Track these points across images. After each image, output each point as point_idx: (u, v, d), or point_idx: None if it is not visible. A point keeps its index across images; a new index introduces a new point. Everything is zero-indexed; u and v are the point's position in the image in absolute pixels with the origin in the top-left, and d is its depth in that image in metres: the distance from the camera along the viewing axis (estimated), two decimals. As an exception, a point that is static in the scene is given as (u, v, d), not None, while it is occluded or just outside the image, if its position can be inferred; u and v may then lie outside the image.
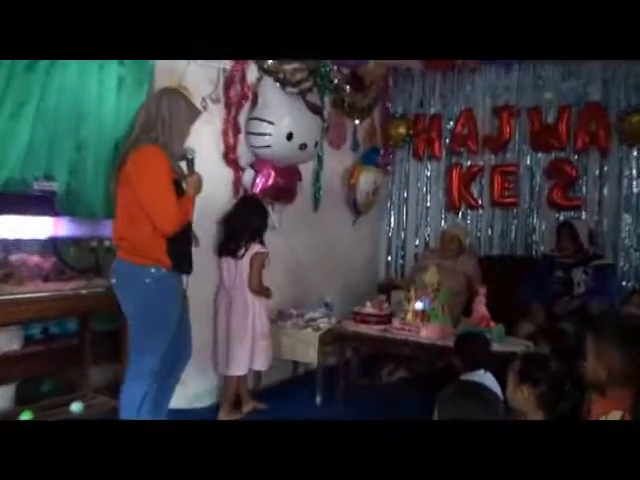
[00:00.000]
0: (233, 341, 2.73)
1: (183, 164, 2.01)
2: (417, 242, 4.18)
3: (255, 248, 2.67)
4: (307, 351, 2.96)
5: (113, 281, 1.95)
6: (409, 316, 2.75)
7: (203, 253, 2.59)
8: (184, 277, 2.03)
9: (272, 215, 2.98)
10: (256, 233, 2.71)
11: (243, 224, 2.78)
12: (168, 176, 1.86)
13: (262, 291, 2.74)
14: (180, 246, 1.94)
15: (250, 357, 2.71)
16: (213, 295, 2.84)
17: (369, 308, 2.94)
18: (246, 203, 2.72)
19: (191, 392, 2.74)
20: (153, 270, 1.91)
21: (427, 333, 2.69)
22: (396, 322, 2.81)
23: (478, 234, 3.93)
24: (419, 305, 2.73)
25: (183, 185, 1.96)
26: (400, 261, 4.25)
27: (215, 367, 2.82)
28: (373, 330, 2.87)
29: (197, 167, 2.05)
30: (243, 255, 2.67)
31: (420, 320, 2.71)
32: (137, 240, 1.87)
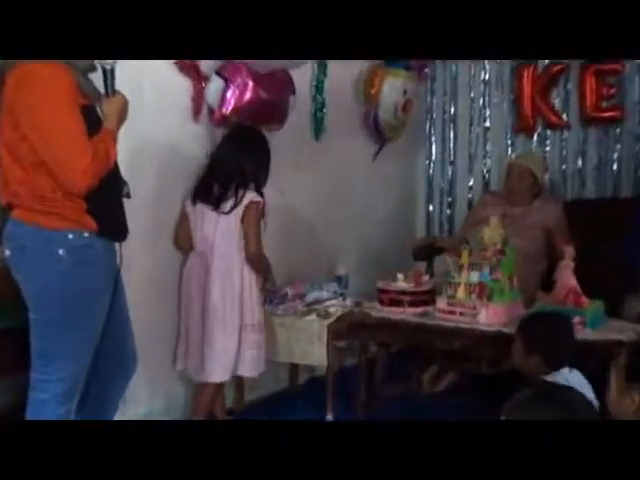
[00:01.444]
0: (211, 333, 2.76)
1: (97, 78, 1.96)
2: (471, 182, 4.24)
3: (249, 197, 2.69)
4: (311, 349, 2.96)
5: (6, 253, 1.92)
6: (461, 293, 2.75)
7: (150, 207, 2.67)
8: (117, 246, 2.03)
9: None
10: (254, 177, 2.75)
11: (236, 163, 2.75)
12: (71, 101, 1.79)
13: (263, 263, 2.80)
14: (106, 201, 1.92)
15: (236, 357, 2.72)
16: (174, 268, 2.86)
17: (401, 283, 2.95)
18: (242, 134, 2.76)
19: (141, 413, 2.74)
20: (70, 236, 1.88)
21: (488, 317, 2.69)
22: (442, 302, 2.81)
23: (563, 167, 3.93)
24: (475, 276, 2.72)
25: (98, 112, 1.92)
26: (446, 211, 4.33)
27: (181, 371, 2.83)
28: (408, 315, 2.88)
29: (122, 81, 2.00)
30: (233, 207, 2.68)
31: (478, 298, 2.71)
32: (41, 193, 1.85)
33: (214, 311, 2.72)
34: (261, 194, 2.76)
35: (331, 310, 3.06)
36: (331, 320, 2.98)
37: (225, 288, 2.72)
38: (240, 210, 2.70)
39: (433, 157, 4.34)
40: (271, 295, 3.10)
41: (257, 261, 2.77)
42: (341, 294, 3.23)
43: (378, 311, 2.96)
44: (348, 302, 3.16)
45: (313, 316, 3.02)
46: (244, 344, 2.75)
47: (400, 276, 2.97)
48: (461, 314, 2.73)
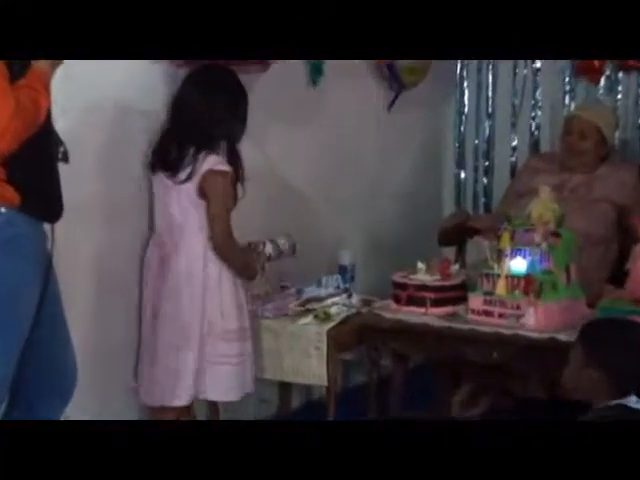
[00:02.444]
0: (162, 344, 2.75)
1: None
2: (515, 141, 4.25)
3: (210, 162, 2.67)
4: (306, 362, 2.98)
5: None
6: (501, 288, 2.75)
7: (97, 176, 2.65)
8: (48, 227, 2.05)
9: None
10: (221, 134, 2.72)
11: (196, 115, 2.70)
12: None
13: (233, 254, 2.78)
14: (34, 167, 1.96)
15: (195, 376, 2.70)
16: (133, 258, 2.87)
17: (423, 275, 2.96)
18: (207, 76, 2.72)
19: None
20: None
21: (538, 319, 2.70)
22: (476, 300, 2.82)
23: (640, 121, 3.91)
24: (520, 264, 2.73)
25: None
26: (482, 180, 4.35)
27: (134, 390, 2.86)
28: (432, 317, 2.90)
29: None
30: (189, 177, 2.66)
31: (523, 294, 2.71)
32: None
33: (164, 316, 2.72)
34: (234, 158, 2.73)
35: (332, 311, 3.09)
36: (332, 324, 3.01)
37: (180, 285, 2.71)
38: (196, 180, 2.67)
39: (465, 109, 4.36)
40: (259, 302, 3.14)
41: (225, 252, 2.74)
42: (345, 290, 3.26)
43: (393, 312, 2.98)
44: (354, 300, 3.19)
45: (309, 318, 3.05)
46: (209, 358, 2.73)
47: (421, 266, 2.98)
48: (501, 316, 2.75)
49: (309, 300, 3.17)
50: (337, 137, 3.71)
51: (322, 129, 3.62)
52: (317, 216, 3.69)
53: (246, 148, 2.93)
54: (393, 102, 3.97)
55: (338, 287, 3.28)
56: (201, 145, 2.66)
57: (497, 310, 2.76)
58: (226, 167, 2.69)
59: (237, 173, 2.72)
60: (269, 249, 3.00)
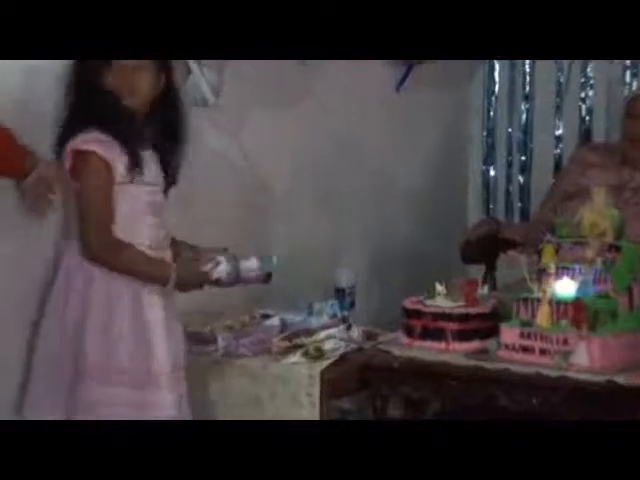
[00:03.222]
0: (33, 386, 2.77)
1: None
2: (559, 129, 4.30)
3: (77, 140, 2.74)
4: (295, 411, 2.98)
5: None
6: (543, 317, 2.76)
7: None
8: None
9: (200, 73, 3.10)
10: (83, 106, 2.76)
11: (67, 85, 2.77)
12: None
13: (114, 258, 2.77)
14: None
15: None
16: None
17: (443, 300, 2.98)
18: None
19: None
20: None
21: (591, 357, 2.70)
22: (511, 333, 2.82)
23: None
24: (567, 287, 2.75)
25: None
26: (518, 178, 4.40)
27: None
28: (454, 355, 2.92)
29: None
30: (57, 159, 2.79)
31: (572, 325, 2.72)
32: None
33: (38, 349, 2.76)
34: (127, 139, 2.73)
35: (327, 346, 3.09)
36: (327, 364, 3.01)
37: (56, 305, 2.75)
38: (67, 164, 2.74)
39: (496, 88, 4.40)
40: (229, 325, 3.15)
41: (100, 258, 2.73)
42: (343, 319, 3.28)
43: (404, 348, 2.98)
44: (355, 333, 3.20)
45: (298, 356, 3.05)
46: (83, 407, 2.68)
47: (440, 288, 2.99)
48: (543, 353, 2.75)
49: (297, 333, 3.17)
50: (332, 123, 3.78)
51: (314, 114, 3.69)
52: (308, 223, 3.72)
53: (216, 136, 3.09)
54: (403, 80, 3.99)
55: (334, 316, 3.31)
56: (69, 121, 2.72)
57: (538, 345, 2.75)
58: (94, 146, 2.69)
59: (133, 161, 2.73)
60: (221, 271, 2.84)
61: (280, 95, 3.57)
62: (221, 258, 2.83)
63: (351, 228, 3.90)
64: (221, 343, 3.08)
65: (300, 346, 3.08)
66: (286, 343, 3.12)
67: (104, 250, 2.75)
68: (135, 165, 2.76)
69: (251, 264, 2.86)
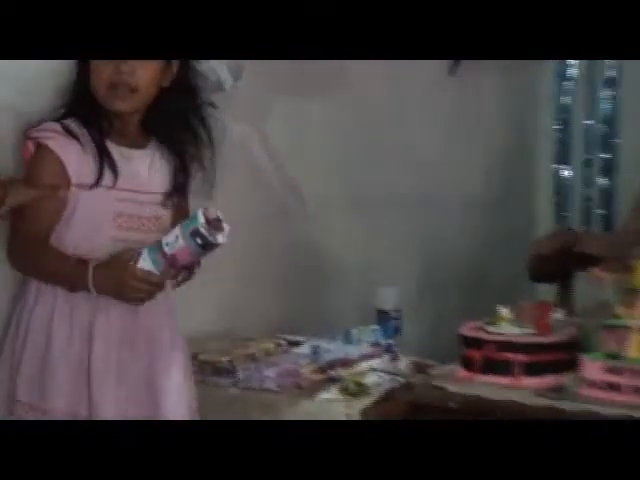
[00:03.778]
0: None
1: None
2: None
3: (35, 129, 2.83)
4: None
5: None
6: (634, 347, 2.72)
7: None
8: None
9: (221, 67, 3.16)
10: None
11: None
12: None
13: (21, 257, 2.83)
14: None
15: None
16: None
17: (508, 326, 2.94)
18: None
19: None
20: None
21: None
22: (594, 366, 2.76)
23: None
24: None
25: None
26: (596, 180, 4.39)
27: None
28: (523, 392, 2.85)
29: None
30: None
31: None
32: None
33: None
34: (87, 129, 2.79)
35: (369, 381, 3.05)
36: (369, 401, 2.96)
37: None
38: (25, 155, 2.82)
39: (571, 71, 4.45)
40: (241, 355, 3.10)
41: (11, 260, 2.82)
42: (388, 348, 3.26)
43: (462, 383, 2.93)
44: (402, 365, 3.17)
45: (333, 392, 3.01)
46: None
47: (506, 312, 2.95)
48: (635, 391, 2.68)
49: (332, 364, 3.14)
50: (371, 115, 3.78)
51: (349, 103, 3.69)
52: (343, 232, 3.73)
53: (235, 128, 3.09)
54: (458, 62, 3.98)
55: (376, 344, 3.28)
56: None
57: (628, 382, 2.68)
58: (48, 139, 2.75)
59: (99, 162, 2.76)
60: (145, 259, 2.77)
61: (309, 81, 3.55)
62: (143, 248, 2.83)
63: (396, 240, 3.89)
64: (241, 375, 3.05)
65: (336, 380, 3.05)
66: (319, 376, 3.08)
67: (15, 250, 2.81)
68: (101, 166, 2.80)
69: (171, 235, 2.80)
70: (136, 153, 2.85)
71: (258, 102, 3.36)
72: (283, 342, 3.33)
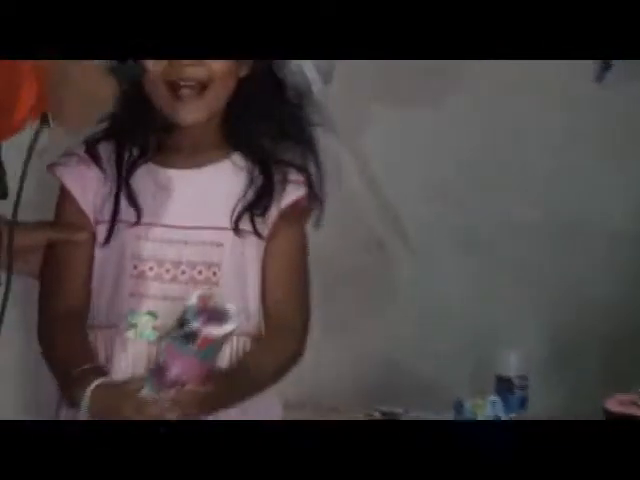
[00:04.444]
0: None
1: None
2: None
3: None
4: None
5: None
6: None
7: None
8: None
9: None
10: None
11: None
12: None
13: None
14: None
15: None
16: None
17: None
18: None
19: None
20: None
21: None
22: None
23: None
24: None
25: None
26: None
27: None
28: None
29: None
30: None
31: None
32: None
33: None
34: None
35: None
36: None
37: None
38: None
39: None
40: None
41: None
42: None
43: None
44: None
45: None
46: None
47: None
48: None
49: None
50: (491, 131, 3.77)
51: (462, 116, 3.70)
52: (452, 271, 3.75)
53: (327, 147, 2.99)
54: (607, 69, 3.86)
55: (497, 419, 3.21)
56: None
57: None
58: (63, 172, 2.76)
59: (118, 192, 2.73)
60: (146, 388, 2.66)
61: (414, 88, 3.59)
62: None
63: (519, 288, 3.82)
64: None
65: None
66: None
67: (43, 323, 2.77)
68: (116, 198, 2.71)
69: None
70: (194, 173, 2.75)
71: (351, 112, 3.35)
72: (376, 414, 3.31)
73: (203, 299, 2.48)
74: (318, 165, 2.81)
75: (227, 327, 2.49)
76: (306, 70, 3.12)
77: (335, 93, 3.13)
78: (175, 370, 2.51)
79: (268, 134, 2.83)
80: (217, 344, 2.49)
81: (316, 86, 3.12)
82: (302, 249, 2.83)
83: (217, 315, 2.50)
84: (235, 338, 2.72)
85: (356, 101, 3.43)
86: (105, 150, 2.78)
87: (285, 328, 2.81)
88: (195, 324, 2.42)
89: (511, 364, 3.43)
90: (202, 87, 2.64)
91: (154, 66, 2.66)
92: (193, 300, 2.46)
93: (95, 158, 2.77)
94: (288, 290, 2.82)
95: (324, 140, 3.01)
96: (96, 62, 2.57)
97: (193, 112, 2.66)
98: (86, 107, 2.74)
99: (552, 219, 3.85)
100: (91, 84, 2.71)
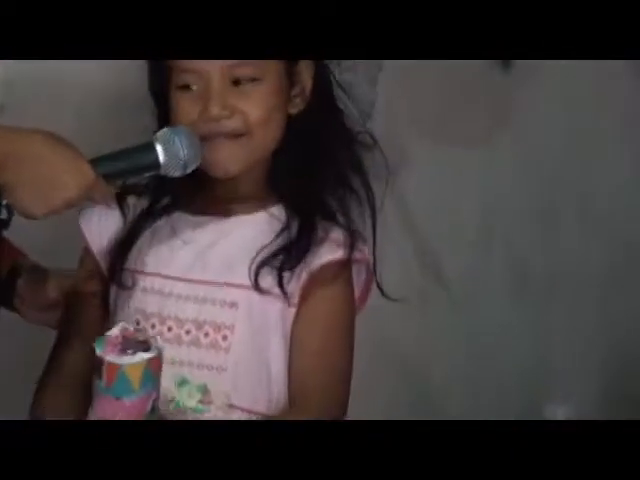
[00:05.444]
0: None
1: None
2: None
3: None
4: None
5: None
6: None
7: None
8: None
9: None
10: None
11: None
12: None
13: None
14: None
15: None
16: None
17: None
18: None
19: None
20: None
21: None
22: None
23: None
24: None
25: None
26: None
27: None
28: None
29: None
30: None
31: None
32: None
33: None
34: None
35: None
36: None
37: None
38: None
39: None
40: None
41: None
42: None
43: None
44: None
45: None
46: None
47: None
48: None
49: None
50: (543, 165, 3.80)
51: (512, 151, 3.74)
52: (501, 322, 3.75)
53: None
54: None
55: None
56: None
57: None
58: (83, 223, 2.65)
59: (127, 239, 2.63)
60: None
61: (458, 126, 3.60)
62: None
63: (576, 335, 3.82)
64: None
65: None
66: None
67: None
68: (123, 246, 2.57)
69: None
70: (217, 222, 2.55)
71: (391, 151, 3.12)
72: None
73: (125, 331, 2.31)
74: (373, 223, 2.56)
75: (140, 355, 2.30)
76: (345, 109, 2.97)
77: (375, 131, 2.92)
78: (96, 412, 2.36)
79: (322, 182, 2.59)
80: (130, 377, 2.30)
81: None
82: (336, 325, 2.56)
83: (132, 345, 2.31)
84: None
85: (396, 139, 3.28)
86: (131, 197, 2.65)
87: (315, 411, 2.53)
88: (98, 351, 2.28)
89: (561, 412, 3.55)
90: (238, 137, 2.45)
91: (185, 106, 2.46)
92: (114, 331, 2.29)
93: (121, 206, 2.60)
94: (323, 368, 2.52)
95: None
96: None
97: (230, 165, 2.46)
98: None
99: (611, 264, 3.86)
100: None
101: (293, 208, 2.52)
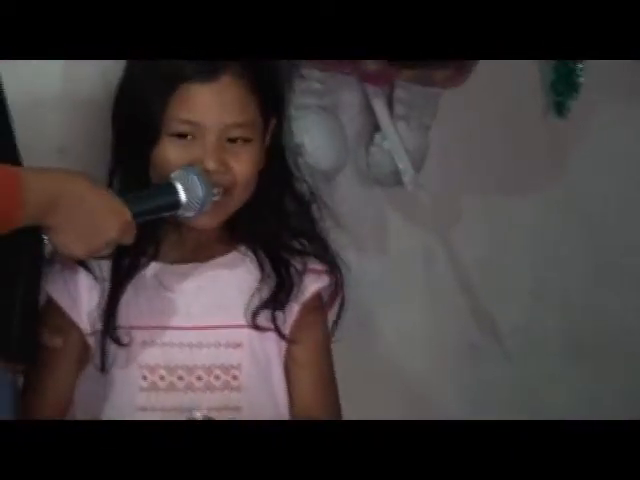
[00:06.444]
0: None
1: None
2: None
3: None
4: None
5: None
6: None
7: None
8: None
9: (394, 130, 3.22)
10: None
11: None
12: None
13: None
14: None
15: None
16: None
17: None
18: None
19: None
20: None
21: None
22: None
23: None
24: None
25: None
26: None
27: None
28: None
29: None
30: None
31: None
32: None
33: None
34: None
35: None
36: None
37: None
38: None
39: None
40: None
41: None
42: None
43: None
44: None
45: None
46: None
47: None
48: None
49: None
50: (599, 222, 3.70)
51: (565, 205, 3.63)
52: (556, 381, 3.63)
53: (413, 239, 3.23)
54: None
55: None
56: None
57: None
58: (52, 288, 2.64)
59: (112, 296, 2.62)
60: None
61: (506, 180, 3.50)
62: None
63: (629, 392, 3.69)
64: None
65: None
66: None
67: None
68: (109, 302, 2.55)
69: None
70: (198, 268, 2.59)
71: (442, 203, 3.30)
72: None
73: None
74: (335, 261, 2.70)
75: None
76: (397, 160, 3.12)
77: (426, 182, 3.13)
78: None
79: (279, 228, 2.71)
80: None
81: (408, 176, 3.12)
82: (327, 347, 2.69)
83: None
84: None
85: (448, 191, 3.33)
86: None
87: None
88: None
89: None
90: (225, 193, 2.51)
91: (174, 163, 2.51)
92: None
93: (85, 266, 2.58)
94: (320, 396, 2.65)
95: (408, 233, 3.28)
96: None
97: (213, 218, 2.53)
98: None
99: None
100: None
101: (256, 246, 2.64)
